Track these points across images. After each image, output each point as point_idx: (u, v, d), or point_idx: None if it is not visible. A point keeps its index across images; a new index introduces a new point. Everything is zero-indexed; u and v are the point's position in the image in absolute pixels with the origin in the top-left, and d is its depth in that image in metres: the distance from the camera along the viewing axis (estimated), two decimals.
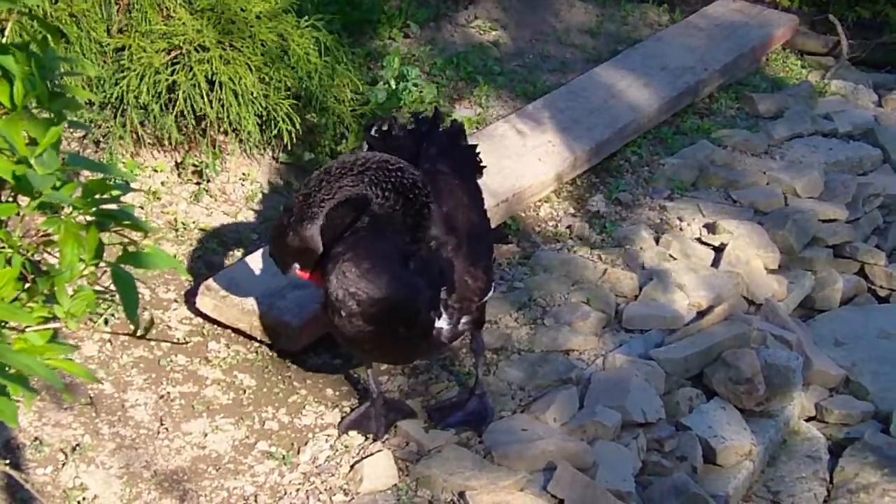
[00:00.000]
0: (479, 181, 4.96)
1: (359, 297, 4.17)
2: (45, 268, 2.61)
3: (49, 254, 2.71)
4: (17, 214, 2.57)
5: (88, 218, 2.57)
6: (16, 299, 2.49)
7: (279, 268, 4.44)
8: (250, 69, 5.83)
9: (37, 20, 3.05)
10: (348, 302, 4.18)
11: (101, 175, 3.59)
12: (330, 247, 4.32)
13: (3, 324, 2.48)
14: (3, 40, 2.74)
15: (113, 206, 2.60)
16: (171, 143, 5.95)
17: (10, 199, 2.67)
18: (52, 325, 2.56)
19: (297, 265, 4.35)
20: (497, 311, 5.55)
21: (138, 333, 2.75)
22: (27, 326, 2.52)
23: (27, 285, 2.57)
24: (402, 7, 7.75)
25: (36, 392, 2.44)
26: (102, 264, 2.57)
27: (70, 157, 2.70)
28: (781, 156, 7.25)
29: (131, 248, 2.64)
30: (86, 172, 3.41)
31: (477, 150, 4.99)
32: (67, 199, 2.50)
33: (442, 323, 4.42)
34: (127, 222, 2.62)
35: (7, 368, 2.36)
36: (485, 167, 5.00)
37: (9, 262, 2.53)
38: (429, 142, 4.83)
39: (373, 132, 4.92)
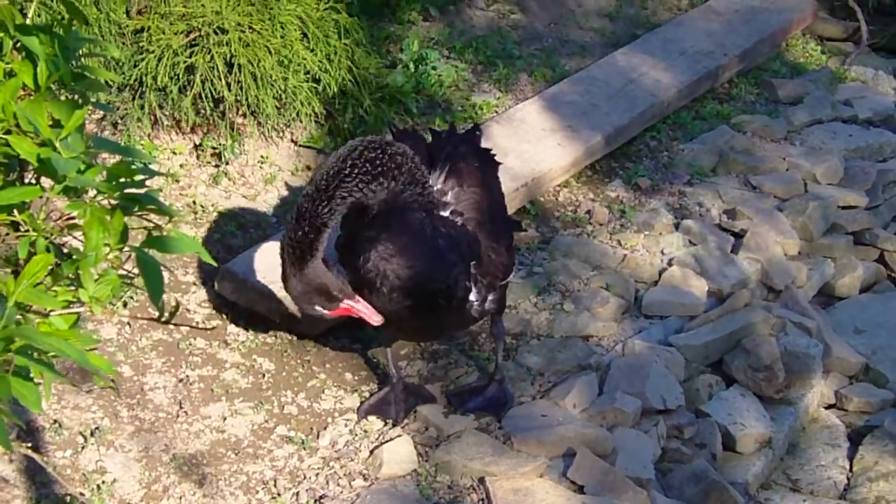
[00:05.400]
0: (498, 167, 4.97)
1: (399, 272, 4.21)
2: (68, 251, 2.60)
3: (73, 237, 2.69)
4: (41, 197, 2.56)
5: (112, 202, 2.56)
6: (40, 283, 2.47)
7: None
8: (269, 51, 5.81)
9: (59, 1, 3.03)
10: (390, 276, 4.21)
11: (123, 158, 3.58)
12: (347, 241, 4.38)
13: (27, 307, 2.47)
14: (27, 22, 2.72)
15: (137, 190, 2.59)
16: (189, 126, 5.94)
17: (34, 182, 2.66)
18: (75, 309, 2.55)
19: (318, 307, 4.28)
20: (516, 296, 5.53)
21: (163, 319, 2.74)
22: (51, 310, 2.51)
23: (51, 269, 2.55)
24: None
25: (61, 375, 2.43)
26: (126, 248, 2.56)
27: (95, 140, 2.68)
28: (801, 142, 7.21)
29: (155, 233, 2.62)
30: (104, 155, 3.38)
31: (493, 153, 4.99)
32: (93, 184, 2.49)
33: (472, 296, 4.46)
34: (151, 206, 2.60)
35: (30, 352, 2.35)
36: (500, 164, 5.00)
37: (33, 245, 2.52)
38: (449, 133, 4.93)
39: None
